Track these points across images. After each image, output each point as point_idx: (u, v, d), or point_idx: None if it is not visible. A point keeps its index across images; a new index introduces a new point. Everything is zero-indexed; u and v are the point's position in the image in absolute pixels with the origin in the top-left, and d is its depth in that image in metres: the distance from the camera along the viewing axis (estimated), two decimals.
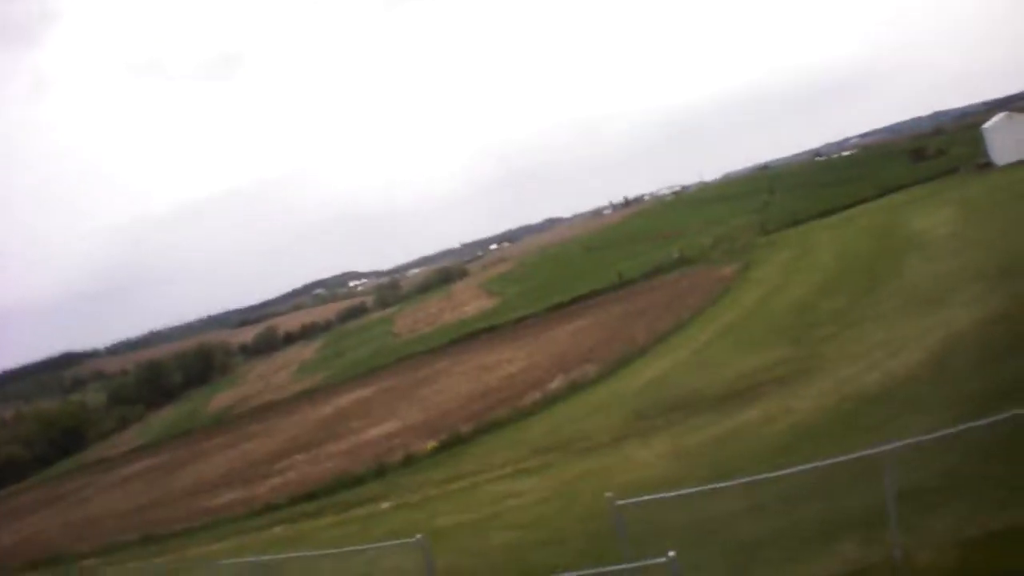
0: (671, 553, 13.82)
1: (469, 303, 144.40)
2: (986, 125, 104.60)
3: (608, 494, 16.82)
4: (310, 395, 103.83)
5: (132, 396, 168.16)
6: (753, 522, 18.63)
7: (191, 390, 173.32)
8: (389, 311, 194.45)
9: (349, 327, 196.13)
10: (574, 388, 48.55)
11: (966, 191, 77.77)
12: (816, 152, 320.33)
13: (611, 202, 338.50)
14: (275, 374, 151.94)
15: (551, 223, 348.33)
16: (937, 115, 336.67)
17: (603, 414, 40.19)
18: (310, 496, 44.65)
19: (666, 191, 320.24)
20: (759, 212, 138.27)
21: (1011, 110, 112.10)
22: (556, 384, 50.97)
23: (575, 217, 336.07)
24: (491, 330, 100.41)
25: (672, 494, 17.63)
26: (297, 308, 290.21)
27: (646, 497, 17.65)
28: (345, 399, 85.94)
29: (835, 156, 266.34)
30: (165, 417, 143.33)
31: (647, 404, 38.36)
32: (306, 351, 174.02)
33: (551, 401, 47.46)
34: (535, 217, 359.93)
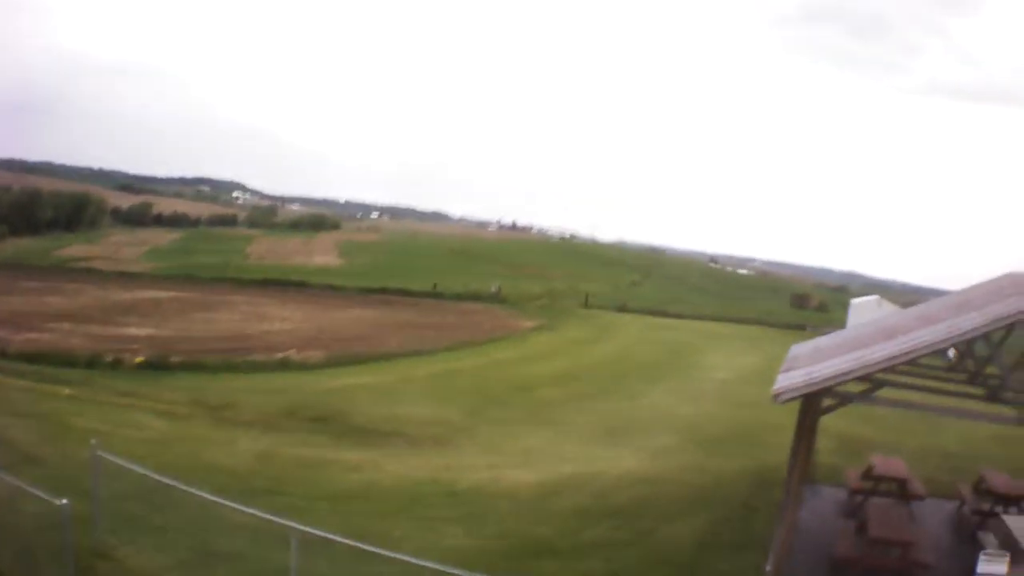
0: (64, 501, 14.19)
1: (319, 255, 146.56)
2: (855, 300, 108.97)
3: (93, 441, 17.17)
4: (131, 277, 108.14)
5: (1, 216, 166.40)
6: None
7: (56, 230, 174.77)
8: (252, 231, 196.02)
9: (213, 231, 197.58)
10: (287, 365, 50.14)
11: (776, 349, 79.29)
12: (712, 258, 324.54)
13: (500, 221, 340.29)
14: (127, 247, 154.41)
15: (437, 216, 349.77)
16: (851, 275, 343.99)
17: (264, 396, 40.66)
18: (31, 359, 46.68)
19: (556, 232, 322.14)
20: (617, 287, 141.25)
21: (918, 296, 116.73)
22: (287, 355, 52.62)
23: (461, 220, 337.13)
24: (301, 286, 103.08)
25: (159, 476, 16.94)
26: (178, 195, 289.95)
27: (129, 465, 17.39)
28: (146, 293, 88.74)
29: (728, 269, 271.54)
30: (18, 245, 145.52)
31: (297, 405, 38.54)
32: (164, 237, 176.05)
33: (270, 366, 49.46)
34: (428, 205, 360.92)
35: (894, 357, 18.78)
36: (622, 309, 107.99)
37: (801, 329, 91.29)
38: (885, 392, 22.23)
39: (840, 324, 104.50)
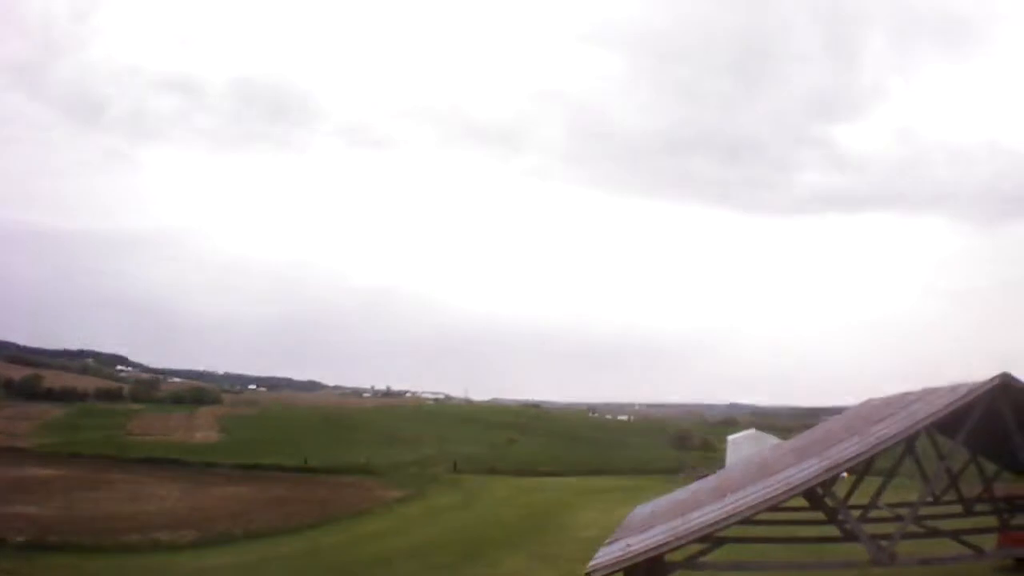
0: None
1: (200, 430, 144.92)
2: (732, 437, 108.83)
3: None
4: (20, 454, 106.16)
5: None
6: None
7: None
8: (136, 406, 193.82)
9: (99, 406, 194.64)
10: (158, 545, 49.46)
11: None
12: (591, 407, 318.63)
13: (373, 387, 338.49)
14: (20, 422, 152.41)
15: (312, 385, 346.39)
16: (735, 406, 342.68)
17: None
18: None
19: (429, 395, 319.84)
20: (493, 446, 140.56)
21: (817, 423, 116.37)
22: (158, 536, 51.84)
23: (335, 388, 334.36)
24: (181, 464, 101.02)
25: None
26: (64, 368, 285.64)
27: None
28: (34, 471, 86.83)
29: (608, 416, 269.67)
30: None
31: None
32: (54, 411, 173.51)
33: (143, 547, 48.98)
34: (301, 374, 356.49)
35: (709, 525, 19.68)
36: (492, 471, 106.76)
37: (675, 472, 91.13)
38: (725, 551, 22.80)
39: (722, 462, 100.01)
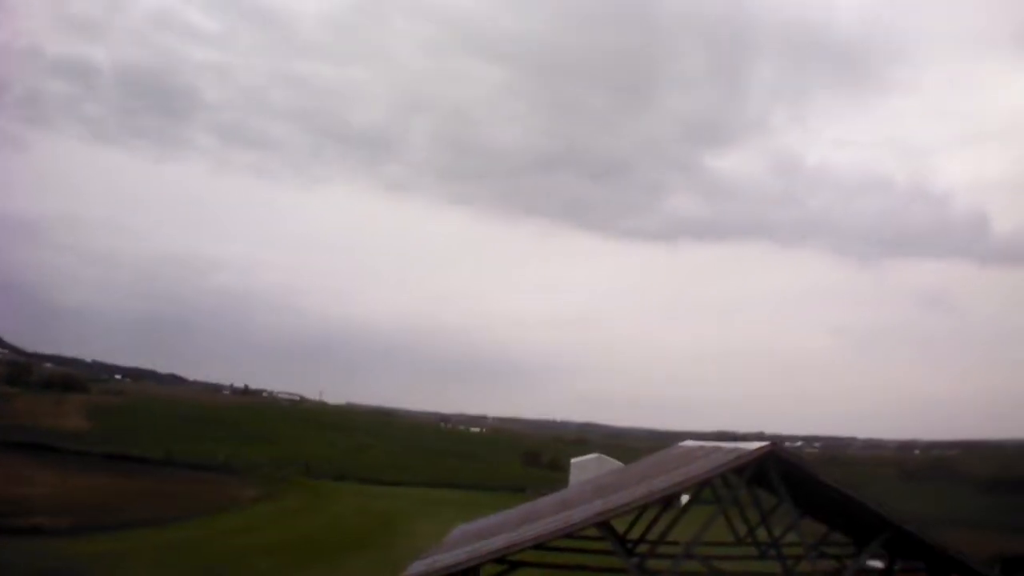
0: None
1: (70, 418, 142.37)
2: (575, 460, 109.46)
3: None
4: None
5: None
6: None
7: None
8: (10, 389, 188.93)
9: None
10: (40, 530, 49.67)
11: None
12: (444, 417, 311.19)
13: (232, 384, 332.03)
14: None
15: (175, 379, 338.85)
16: (589, 426, 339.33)
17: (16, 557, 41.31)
18: None
19: (286, 395, 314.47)
20: (346, 451, 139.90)
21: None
22: (40, 521, 51.96)
23: (194, 383, 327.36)
24: (54, 450, 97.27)
25: None
26: None
27: None
28: None
29: (461, 428, 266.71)
30: None
31: (48, 569, 39.59)
32: None
33: (25, 531, 49.13)
34: (165, 367, 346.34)
35: (502, 549, 21.12)
36: (342, 478, 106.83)
37: (522, 492, 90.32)
38: None
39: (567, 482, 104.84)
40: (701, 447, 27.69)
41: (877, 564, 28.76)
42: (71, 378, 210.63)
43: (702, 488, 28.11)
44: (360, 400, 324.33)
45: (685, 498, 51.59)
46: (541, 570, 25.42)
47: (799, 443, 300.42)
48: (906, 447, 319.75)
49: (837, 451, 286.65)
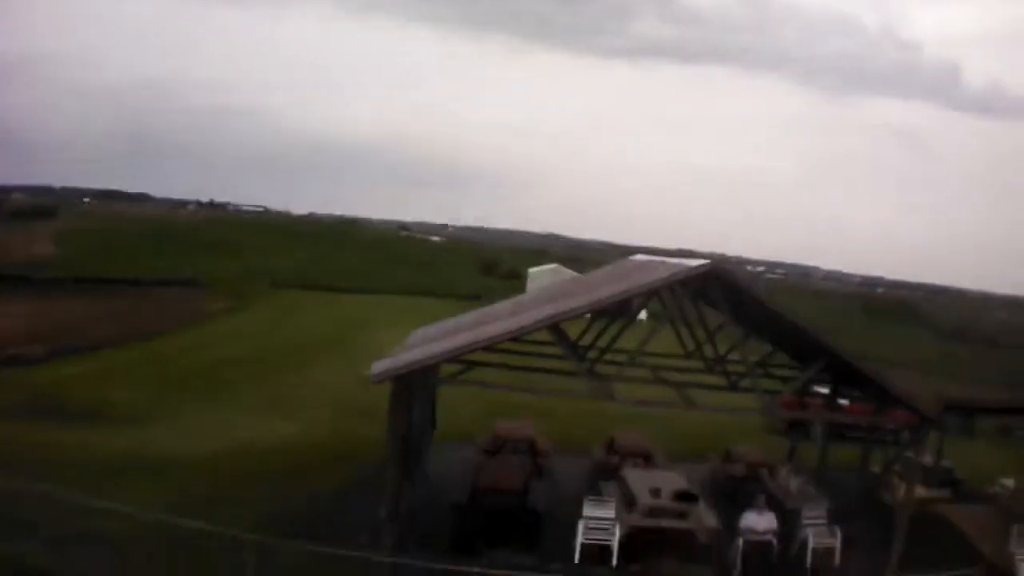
0: None
1: (38, 246, 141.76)
2: (533, 270, 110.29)
3: None
4: None
5: None
6: None
7: None
8: None
9: None
10: (15, 360, 48.92)
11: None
12: (403, 225, 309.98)
13: (198, 199, 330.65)
14: None
15: (143, 197, 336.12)
16: (552, 237, 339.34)
17: None
18: None
19: (251, 207, 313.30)
20: (310, 260, 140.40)
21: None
22: (17, 351, 51.30)
23: (161, 200, 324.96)
24: (22, 279, 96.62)
25: None
26: None
27: None
28: None
29: (418, 236, 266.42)
30: None
31: (26, 396, 39.56)
32: None
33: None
34: (133, 186, 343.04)
35: (458, 349, 21.65)
36: (309, 286, 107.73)
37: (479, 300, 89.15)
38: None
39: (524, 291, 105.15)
40: (651, 261, 28.54)
41: (823, 391, 30.36)
42: (40, 206, 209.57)
43: (648, 299, 28.76)
44: (323, 210, 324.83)
45: (643, 314, 53.22)
46: (495, 370, 26.08)
47: (761, 268, 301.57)
48: (869, 283, 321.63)
49: (799, 280, 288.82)
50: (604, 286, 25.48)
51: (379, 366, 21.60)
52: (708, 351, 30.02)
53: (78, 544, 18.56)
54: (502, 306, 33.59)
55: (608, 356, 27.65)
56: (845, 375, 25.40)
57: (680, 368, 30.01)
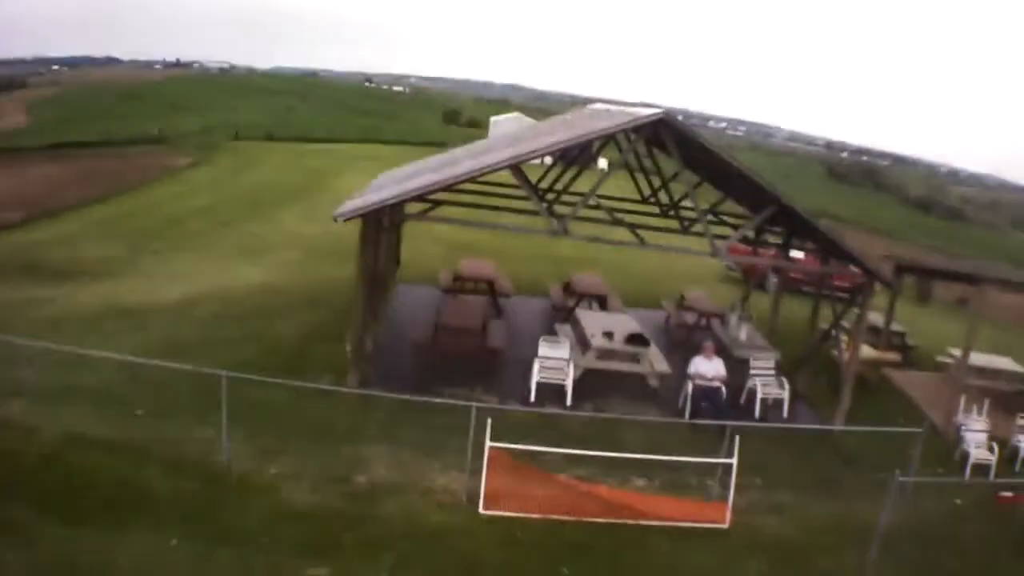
0: None
1: (9, 116, 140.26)
2: (495, 118, 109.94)
3: None
4: None
5: None
6: None
7: None
8: None
9: None
10: None
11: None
12: (368, 78, 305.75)
13: (164, 59, 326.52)
14: None
15: (110, 61, 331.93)
16: (513, 87, 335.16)
17: None
18: None
19: (215, 64, 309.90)
20: (274, 114, 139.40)
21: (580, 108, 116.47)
22: None
23: (129, 63, 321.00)
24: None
25: None
26: None
27: None
28: None
29: (384, 87, 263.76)
30: None
31: (5, 259, 40.00)
32: None
33: None
34: (101, 51, 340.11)
35: (423, 188, 21.61)
36: (271, 138, 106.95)
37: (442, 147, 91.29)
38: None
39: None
40: (608, 109, 28.19)
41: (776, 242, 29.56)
42: (9, 79, 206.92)
43: (604, 145, 28.50)
44: (287, 64, 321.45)
45: (603, 163, 53.01)
46: (459, 208, 26.38)
47: (723, 124, 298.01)
48: (834, 147, 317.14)
49: (761, 140, 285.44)
50: (562, 131, 25.46)
51: (347, 205, 21.89)
52: (663, 197, 30.40)
53: (65, 397, 18.94)
54: (465, 149, 33.77)
55: (566, 198, 28.05)
56: (797, 228, 25.63)
57: (635, 212, 30.25)
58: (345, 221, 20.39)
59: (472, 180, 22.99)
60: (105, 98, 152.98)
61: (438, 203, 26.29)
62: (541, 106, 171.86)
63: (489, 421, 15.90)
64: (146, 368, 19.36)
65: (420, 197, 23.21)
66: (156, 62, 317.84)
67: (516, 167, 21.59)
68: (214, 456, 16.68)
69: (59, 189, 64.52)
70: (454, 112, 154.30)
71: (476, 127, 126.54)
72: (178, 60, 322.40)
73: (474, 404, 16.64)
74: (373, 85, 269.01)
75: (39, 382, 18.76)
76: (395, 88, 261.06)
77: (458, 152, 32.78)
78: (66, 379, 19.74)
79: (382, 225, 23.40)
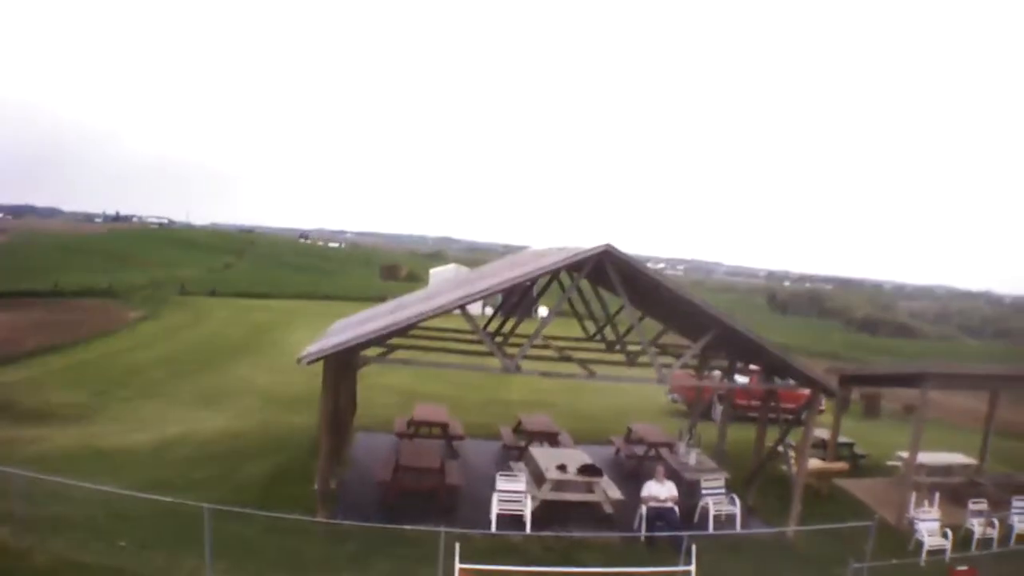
0: None
1: None
2: (434, 270, 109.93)
3: None
4: None
5: None
6: None
7: None
8: None
9: None
10: None
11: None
12: (303, 234, 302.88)
13: (104, 212, 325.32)
14: None
15: (52, 212, 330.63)
16: (447, 240, 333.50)
17: None
18: None
19: (154, 219, 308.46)
20: (212, 270, 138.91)
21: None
22: None
23: (70, 214, 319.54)
24: None
25: None
26: None
27: None
28: None
29: (320, 243, 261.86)
30: None
31: None
32: None
33: None
34: (43, 201, 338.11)
35: (379, 330, 22.19)
36: (214, 294, 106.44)
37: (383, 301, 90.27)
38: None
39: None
40: (549, 248, 29.06)
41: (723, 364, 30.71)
42: None
43: (547, 286, 29.97)
44: (224, 220, 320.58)
45: (544, 310, 54.10)
46: (413, 351, 27.36)
47: (662, 264, 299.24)
48: (775, 277, 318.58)
49: (701, 276, 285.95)
50: (508, 271, 26.37)
51: (310, 348, 22.40)
52: (608, 333, 31.73)
53: (52, 527, 19.58)
54: (414, 295, 34.73)
55: (513, 340, 29.60)
56: (741, 351, 26.23)
57: (582, 348, 31.12)
58: (308, 364, 21.04)
59: (423, 327, 24.01)
60: (52, 249, 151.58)
61: (393, 348, 27.22)
62: (475, 257, 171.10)
63: (457, 545, 16.77)
64: (128, 505, 20.33)
65: (378, 340, 24.05)
66: (96, 215, 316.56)
67: (465, 308, 22.56)
68: None
69: (16, 336, 64.15)
70: (392, 266, 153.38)
71: (414, 280, 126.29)
72: (118, 213, 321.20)
73: (443, 528, 17.47)
74: (309, 241, 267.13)
75: (26, 512, 19.22)
76: (331, 244, 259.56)
77: (409, 298, 33.59)
78: (52, 511, 20.37)
79: (342, 369, 23.80)
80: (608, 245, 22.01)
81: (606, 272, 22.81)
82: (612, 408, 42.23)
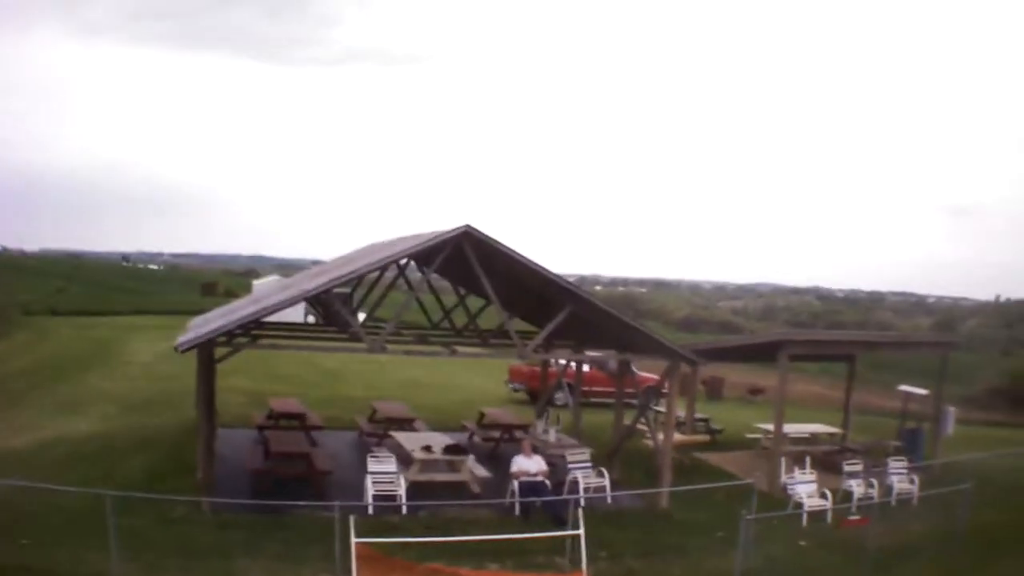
0: None
1: None
2: (257, 281, 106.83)
3: None
4: None
5: None
6: None
7: None
8: None
9: None
10: None
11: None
12: (125, 257, 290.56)
13: None
14: None
15: None
16: (258, 258, 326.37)
17: None
18: None
19: None
20: (47, 294, 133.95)
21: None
22: None
23: None
24: None
25: None
26: None
27: None
28: None
29: (141, 265, 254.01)
30: None
31: None
32: None
33: None
34: None
35: (247, 316, 21.41)
36: (55, 313, 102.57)
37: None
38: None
39: None
40: (402, 236, 28.25)
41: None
42: None
43: (407, 264, 27.87)
44: (53, 245, 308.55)
45: (362, 316, 53.30)
46: (276, 338, 26.41)
47: None
48: (587, 282, 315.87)
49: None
50: (366, 256, 25.56)
51: (184, 337, 21.27)
52: (459, 319, 30.86)
53: None
54: (269, 288, 33.45)
55: (370, 324, 28.98)
56: (594, 330, 25.06)
57: (436, 332, 30.42)
58: (183, 352, 19.96)
59: (276, 320, 23.59)
60: None
61: (258, 336, 26.10)
62: (286, 272, 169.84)
63: (352, 519, 15.81)
64: (19, 499, 19.19)
65: (247, 328, 23.32)
66: None
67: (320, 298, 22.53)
68: None
69: None
70: (210, 284, 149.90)
71: (231, 296, 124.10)
72: None
73: (337, 503, 16.56)
74: (130, 264, 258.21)
75: None
76: (151, 266, 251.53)
77: (261, 293, 32.38)
78: None
79: (214, 358, 22.44)
80: (468, 225, 21.03)
81: (467, 253, 21.68)
82: (455, 402, 41.62)
